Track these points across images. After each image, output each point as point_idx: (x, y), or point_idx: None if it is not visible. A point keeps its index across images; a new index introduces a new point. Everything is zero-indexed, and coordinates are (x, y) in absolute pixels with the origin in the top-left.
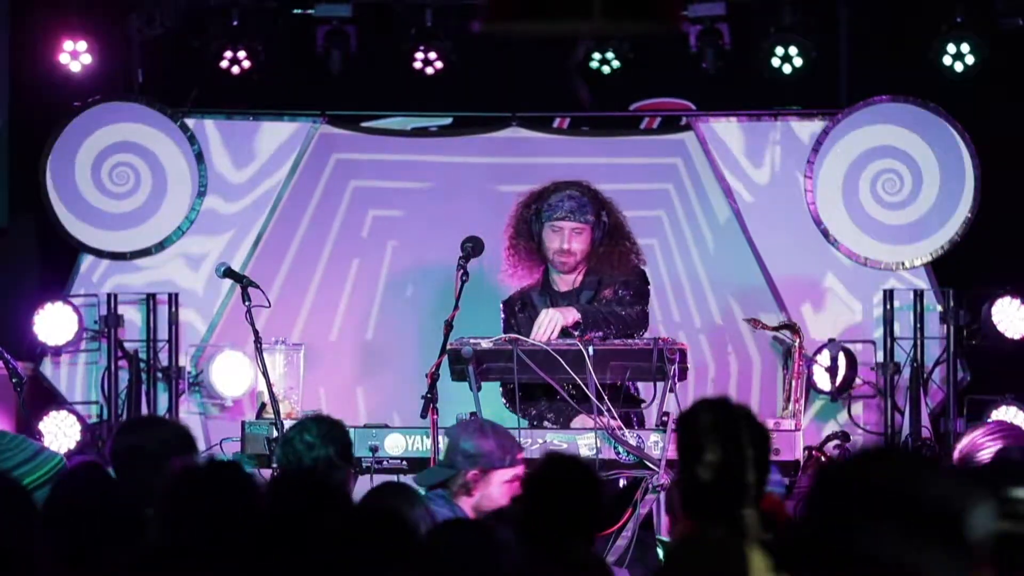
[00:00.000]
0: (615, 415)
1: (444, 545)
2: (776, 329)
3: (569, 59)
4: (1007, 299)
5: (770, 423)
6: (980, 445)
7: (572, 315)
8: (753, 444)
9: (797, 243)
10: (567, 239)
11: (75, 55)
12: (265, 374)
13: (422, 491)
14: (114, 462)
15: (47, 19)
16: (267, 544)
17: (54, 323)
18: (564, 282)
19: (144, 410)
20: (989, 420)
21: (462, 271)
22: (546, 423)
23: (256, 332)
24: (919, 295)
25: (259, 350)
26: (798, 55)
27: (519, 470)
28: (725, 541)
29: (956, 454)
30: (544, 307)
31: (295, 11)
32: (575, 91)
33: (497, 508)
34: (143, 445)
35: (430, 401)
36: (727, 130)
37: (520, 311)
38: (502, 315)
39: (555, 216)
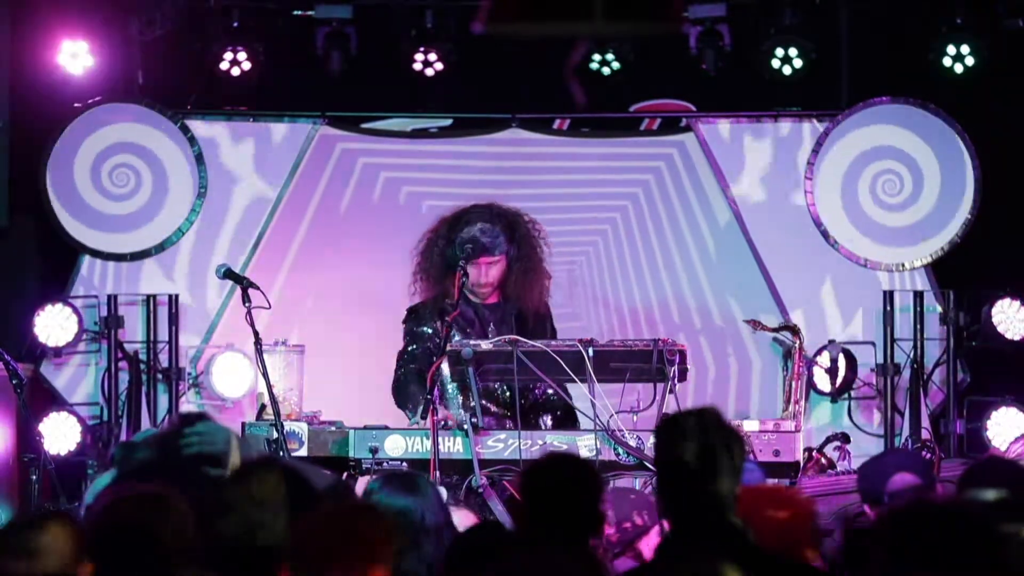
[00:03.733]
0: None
1: None
2: (776, 330)
3: (567, 60)
4: (1007, 300)
5: (770, 424)
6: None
7: None
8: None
9: (797, 244)
10: (484, 273)
11: (76, 56)
12: (265, 375)
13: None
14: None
15: (48, 20)
16: None
17: (54, 324)
18: (485, 297)
19: (144, 410)
20: None
21: (462, 272)
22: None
23: (256, 333)
24: (919, 296)
25: (259, 351)
26: (798, 56)
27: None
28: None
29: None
30: (482, 320)
31: (295, 12)
32: (571, 92)
33: None
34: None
35: (430, 402)
36: (727, 131)
37: (442, 323)
38: (408, 322)
39: (469, 253)
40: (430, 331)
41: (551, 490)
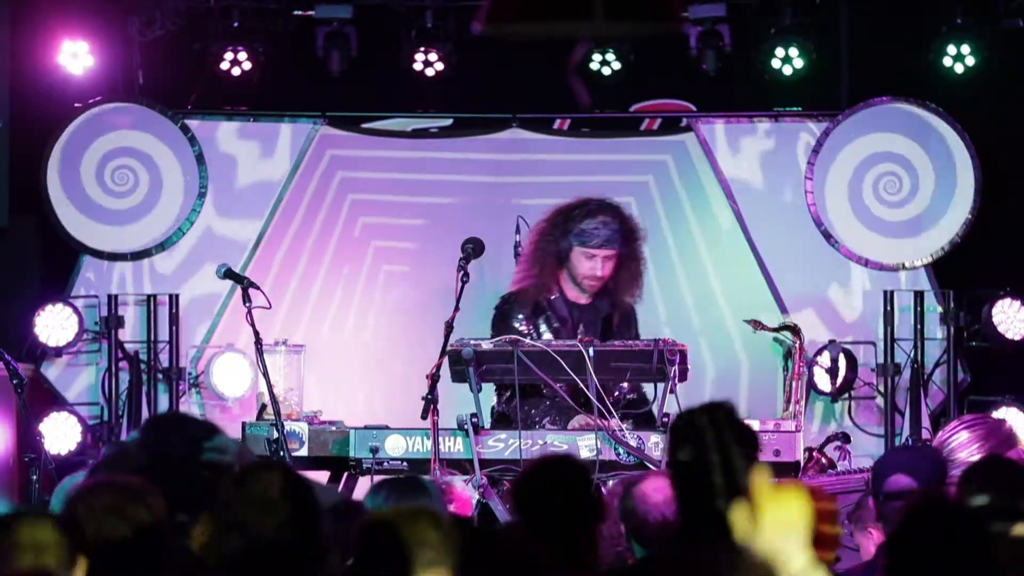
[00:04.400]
0: (614, 414)
1: None
2: (776, 330)
3: (568, 60)
4: (1007, 300)
5: (770, 424)
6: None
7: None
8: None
9: (797, 244)
10: (600, 266)
11: (76, 56)
12: (265, 375)
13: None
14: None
15: (48, 20)
16: None
17: (55, 324)
18: (580, 297)
19: (145, 410)
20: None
21: (462, 272)
22: (546, 424)
23: (257, 333)
24: (919, 296)
25: (260, 351)
26: (798, 56)
27: None
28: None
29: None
30: (574, 319)
31: (295, 12)
32: (574, 92)
33: None
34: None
35: (431, 402)
36: (727, 131)
37: (537, 314)
38: (498, 313)
39: (590, 243)
40: (519, 326)
41: (539, 495)
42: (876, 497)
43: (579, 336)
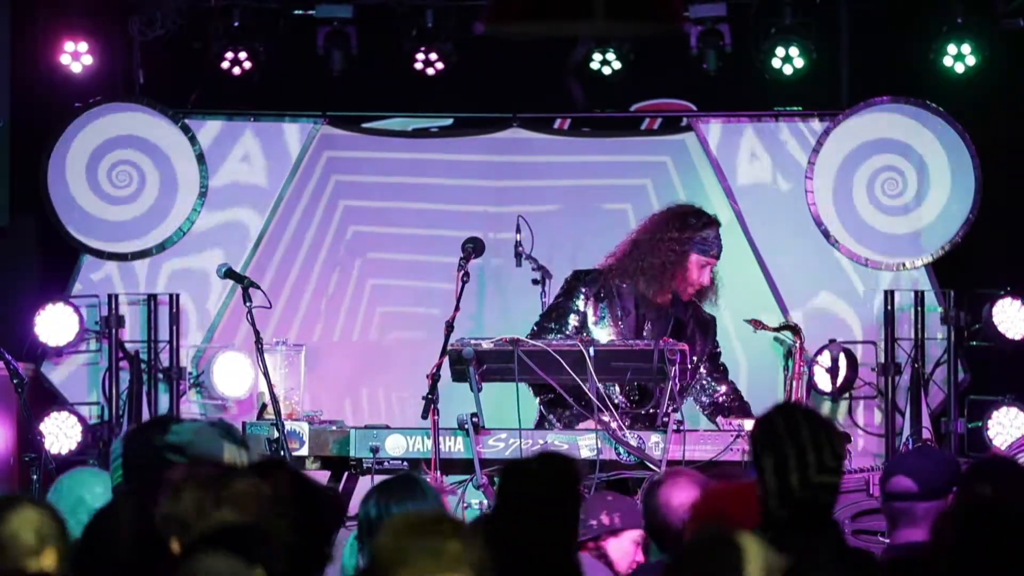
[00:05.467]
0: (614, 414)
1: None
2: (777, 330)
3: (568, 59)
4: (1008, 300)
5: None
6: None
7: None
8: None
9: (798, 244)
10: (706, 275)
11: (76, 56)
12: (266, 375)
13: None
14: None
15: (48, 20)
16: None
17: (55, 324)
18: (659, 296)
19: (145, 410)
20: None
21: (463, 272)
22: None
23: (257, 333)
24: (920, 296)
25: (260, 351)
26: (799, 56)
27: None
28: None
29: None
30: (639, 315)
31: (296, 12)
32: (570, 90)
33: None
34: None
35: (431, 402)
36: (728, 131)
37: (602, 298)
38: (566, 287)
39: (711, 253)
40: (580, 303)
41: (526, 490)
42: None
43: (645, 333)
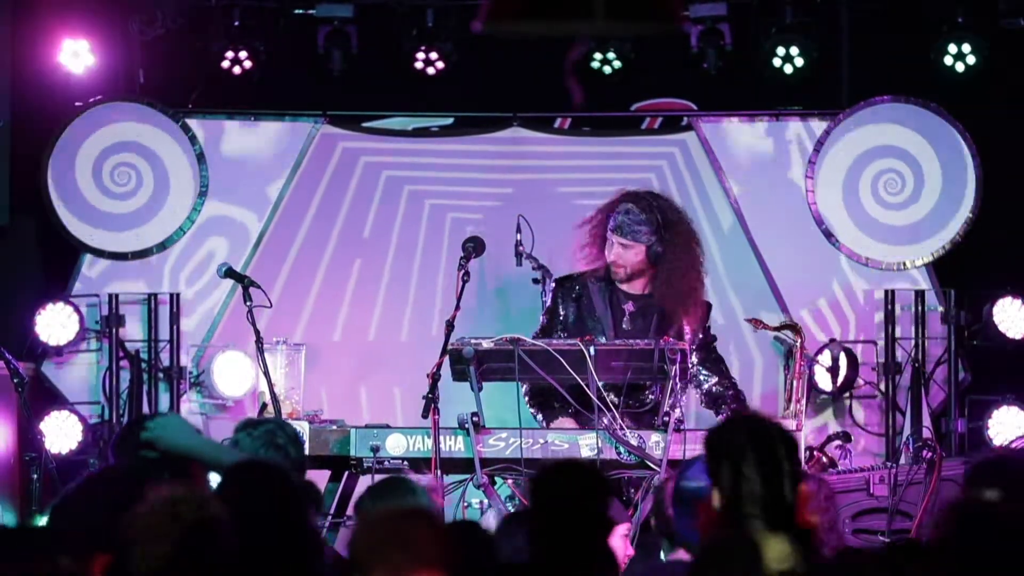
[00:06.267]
0: (614, 414)
1: None
2: (777, 329)
3: (567, 58)
4: (1008, 299)
5: None
6: None
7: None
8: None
9: (798, 243)
10: (616, 251)
11: (77, 55)
12: (266, 374)
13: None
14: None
15: (49, 19)
16: None
17: (55, 323)
18: (631, 285)
19: (146, 409)
20: None
21: (463, 271)
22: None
23: (257, 332)
24: (920, 295)
25: (260, 350)
26: (799, 55)
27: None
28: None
29: None
30: (606, 306)
31: (296, 11)
32: (569, 89)
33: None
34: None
35: (432, 401)
36: (728, 130)
37: (576, 299)
38: (549, 293)
39: (610, 227)
40: (558, 318)
41: (561, 498)
42: None
43: (624, 326)
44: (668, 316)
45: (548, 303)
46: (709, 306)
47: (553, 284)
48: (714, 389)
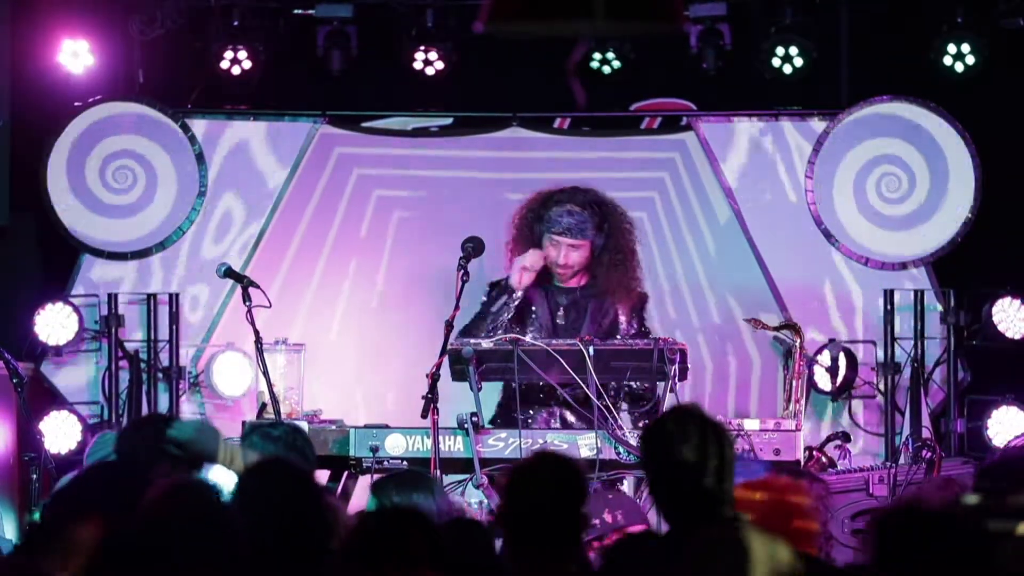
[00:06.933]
0: (615, 416)
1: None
2: (777, 329)
3: (568, 59)
4: (1007, 299)
5: (770, 423)
6: None
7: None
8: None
9: (798, 243)
10: (564, 254)
11: (76, 55)
12: (266, 374)
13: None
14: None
15: (48, 19)
16: None
17: (54, 323)
18: (564, 279)
19: (145, 409)
20: None
21: (463, 271)
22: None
23: (257, 332)
24: (919, 295)
25: (260, 350)
26: (799, 55)
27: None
28: (724, 529)
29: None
30: (543, 300)
31: (296, 11)
32: (571, 91)
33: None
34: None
35: (431, 401)
36: (728, 130)
37: (515, 298)
38: (484, 297)
39: (554, 231)
40: (455, 305)
41: (534, 492)
42: None
43: (558, 321)
44: (602, 307)
45: (490, 306)
46: (646, 296)
47: (487, 286)
48: (635, 387)
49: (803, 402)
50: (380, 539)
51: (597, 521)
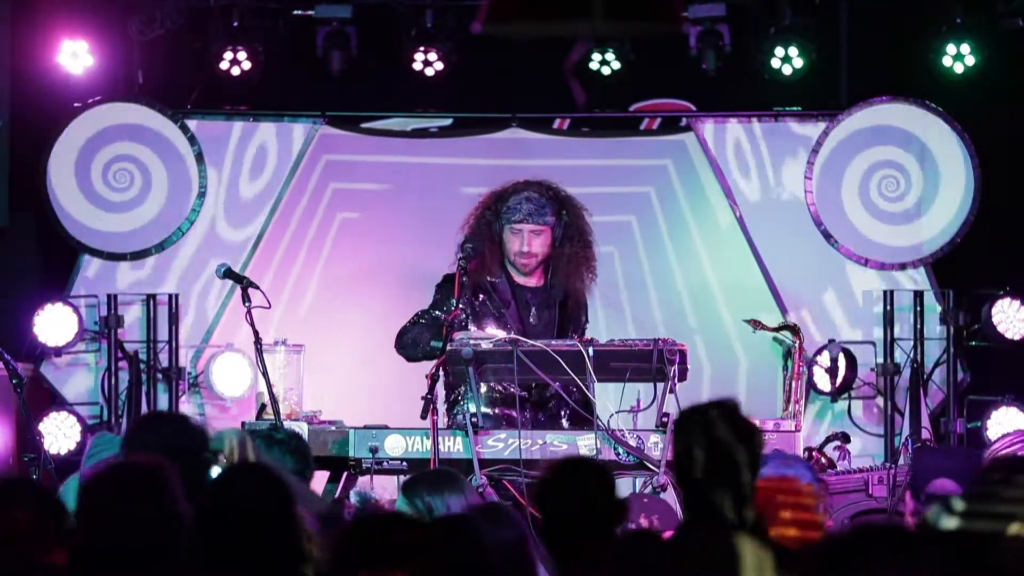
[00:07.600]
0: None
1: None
2: (776, 330)
3: (567, 59)
4: (1007, 300)
5: (770, 424)
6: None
7: None
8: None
9: (797, 244)
10: (527, 241)
11: (76, 56)
12: (265, 375)
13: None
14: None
15: (48, 20)
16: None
17: (54, 324)
18: (526, 280)
19: (144, 410)
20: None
21: (462, 272)
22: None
23: (256, 333)
24: (919, 296)
25: (259, 351)
26: (798, 56)
27: None
28: (716, 534)
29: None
30: (512, 300)
31: (295, 12)
32: (571, 91)
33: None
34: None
35: (430, 402)
36: (727, 131)
37: (476, 295)
38: (438, 292)
39: (514, 219)
40: (455, 305)
41: (564, 499)
42: (916, 498)
43: (532, 320)
44: (569, 304)
45: (438, 297)
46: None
47: (443, 278)
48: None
49: (802, 403)
50: (362, 545)
51: (633, 525)
